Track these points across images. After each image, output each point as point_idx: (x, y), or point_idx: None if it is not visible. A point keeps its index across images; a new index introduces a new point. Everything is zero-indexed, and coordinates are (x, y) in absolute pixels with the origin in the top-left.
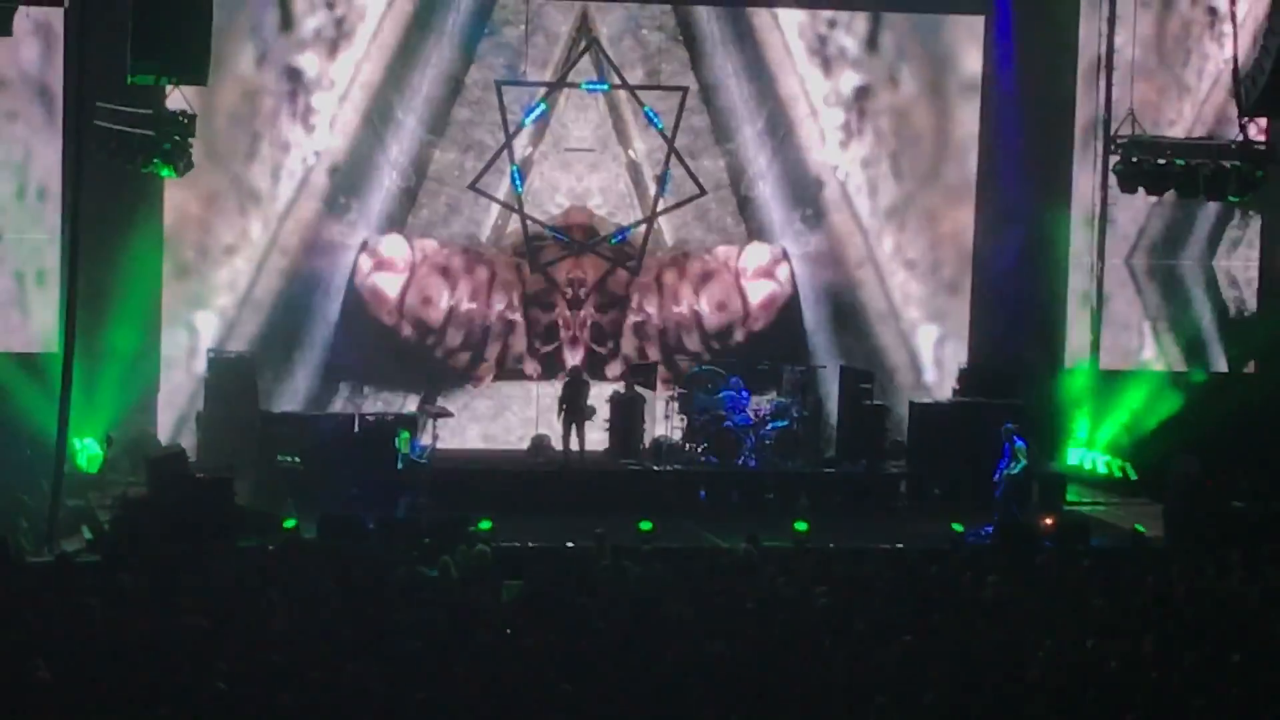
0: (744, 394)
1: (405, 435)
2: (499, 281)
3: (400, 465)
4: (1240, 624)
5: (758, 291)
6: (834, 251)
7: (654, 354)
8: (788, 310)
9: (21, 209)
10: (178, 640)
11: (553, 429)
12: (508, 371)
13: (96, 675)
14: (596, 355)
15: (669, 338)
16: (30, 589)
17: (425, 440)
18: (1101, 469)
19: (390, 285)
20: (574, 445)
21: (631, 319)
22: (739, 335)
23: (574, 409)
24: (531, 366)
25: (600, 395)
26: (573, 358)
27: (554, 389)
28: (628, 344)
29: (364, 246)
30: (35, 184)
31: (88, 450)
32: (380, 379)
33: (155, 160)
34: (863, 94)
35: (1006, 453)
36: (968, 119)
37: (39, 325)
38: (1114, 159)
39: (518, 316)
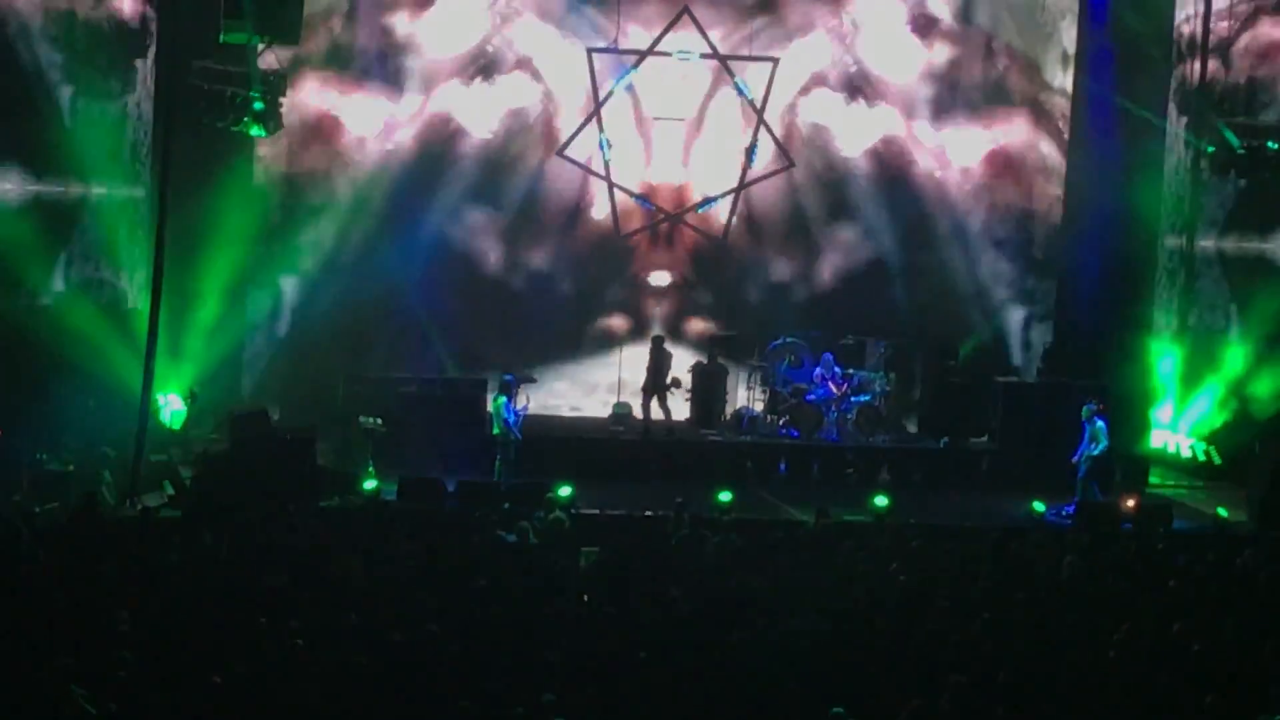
0: (836, 369)
1: (501, 400)
2: (587, 247)
3: (496, 430)
4: None
5: (844, 265)
6: (923, 228)
7: (738, 325)
8: (874, 285)
9: (113, 164)
10: (256, 597)
11: (635, 397)
12: (594, 339)
13: (175, 629)
14: (681, 324)
15: (754, 308)
16: (113, 542)
17: (519, 406)
18: (1185, 453)
19: (478, 249)
20: (655, 414)
21: (717, 288)
22: (824, 308)
23: (656, 379)
24: (616, 333)
25: (683, 365)
26: (658, 327)
27: (637, 356)
28: (712, 314)
29: (453, 210)
30: (127, 140)
31: (172, 406)
32: (466, 343)
33: (246, 119)
34: (955, 66)
35: (1086, 433)
36: (1060, 95)
37: (127, 281)
38: (1206, 140)
39: (603, 283)
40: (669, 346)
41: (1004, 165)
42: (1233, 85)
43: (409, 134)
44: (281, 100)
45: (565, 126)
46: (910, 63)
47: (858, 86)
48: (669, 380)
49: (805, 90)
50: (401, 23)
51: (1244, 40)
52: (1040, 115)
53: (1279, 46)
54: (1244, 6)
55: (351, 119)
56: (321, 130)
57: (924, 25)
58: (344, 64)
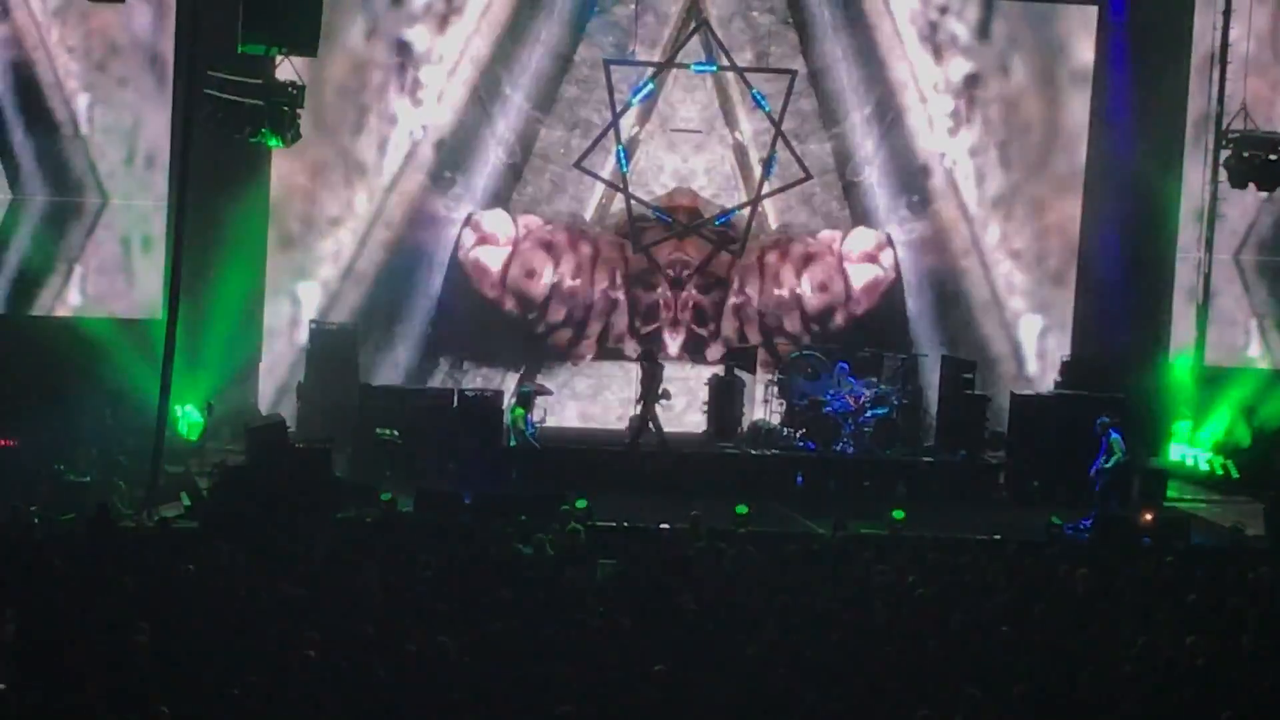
0: (853, 380)
1: (520, 412)
2: (601, 260)
3: (513, 442)
4: None
5: (860, 277)
6: (939, 239)
7: (754, 337)
8: (890, 297)
9: (130, 175)
10: (273, 609)
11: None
12: (608, 351)
13: (192, 640)
14: (697, 337)
15: (770, 321)
16: (130, 553)
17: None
18: (1203, 466)
19: (493, 260)
20: (653, 427)
21: (733, 301)
22: (840, 320)
23: (648, 391)
24: (632, 346)
25: (699, 377)
26: (673, 339)
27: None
28: (728, 326)
29: (468, 221)
30: (144, 151)
31: (188, 417)
32: (480, 354)
33: (263, 130)
34: (973, 82)
35: (1103, 447)
36: (1077, 110)
37: (144, 292)
38: (1225, 153)
39: (619, 296)
40: (660, 358)
41: (1021, 179)
42: (1252, 99)
43: (425, 145)
44: (299, 111)
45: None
46: (928, 77)
47: (879, 101)
48: (660, 391)
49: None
50: (420, 37)
51: (1264, 53)
52: (1057, 129)
53: None
54: (1263, 20)
55: (367, 134)
56: (337, 146)
57: (941, 42)
58: (360, 78)
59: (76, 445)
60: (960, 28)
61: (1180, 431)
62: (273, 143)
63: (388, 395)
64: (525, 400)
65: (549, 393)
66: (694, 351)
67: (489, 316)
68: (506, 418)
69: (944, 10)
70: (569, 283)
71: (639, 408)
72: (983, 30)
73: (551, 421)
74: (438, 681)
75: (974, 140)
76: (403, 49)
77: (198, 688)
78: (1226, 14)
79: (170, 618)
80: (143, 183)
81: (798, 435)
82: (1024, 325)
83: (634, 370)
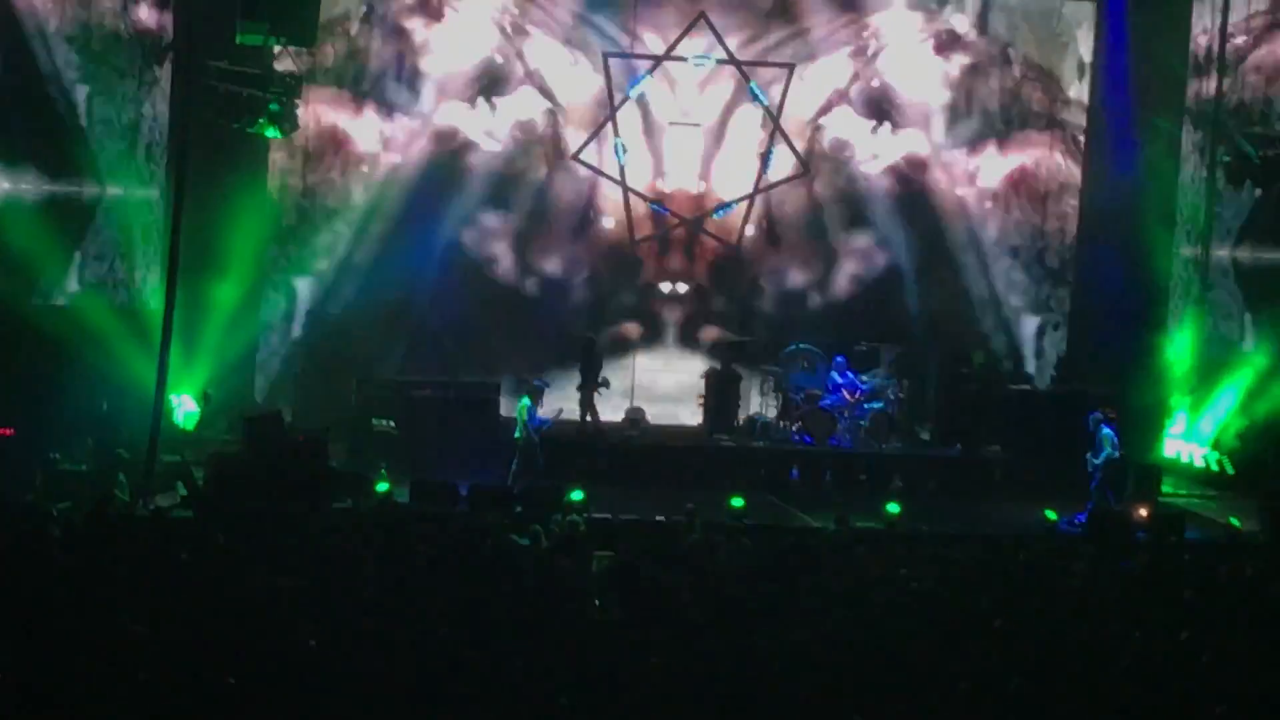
0: (847, 374)
1: (525, 403)
2: (600, 252)
3: (518, 434)
4: None
5: (858, 271)
6: (938, 235)
7: (752, 330)
8: (888, 292)
9: (128, 165)
10: (268, 599)
11: (649, 402)
12: (604, 344)
13: (188, 630)
14: (695, 329)
15: (768, 314)
16: (126, 543)
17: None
18: (1198, 462)
19: (493, 252)
20: (588, 416)
21: (731, 294)
22: (838, 314)
23: (587, 380)
24: (629, 339)
25: (697, 370)
26: (670, 331)
27: (651, 361)
28: (726, 319)
29: (466, 213)
30: (143, 141)
31: (186, 407)
32: (478, 347)
33: (261, 120)
34: (972, 75)
35: (1096, 442)
36: (1077, 105)
37: (141, 282)
38: (1222, 151)
39: (617, 288)
40: (599, 347)
41: (1020, 175)
42: (1249, 97)
43: (422, 139)
44: (297, 102)
45: (575, 136)
46: (928, 74)
47: (877, 100)
48: (599, 380)
49: (826, 107)
50: (416, 31)
51: (1260, 52)
52: (1056, 125)
53: None
54: (1260, 19)
55: (364, 127)
56: (335, 137)
57: (942, 38)
58: (357, 71)
59: (72, 434)
60: (960, 21)
61: (1177, 424)
62: (270, 133)
63: (385, 386)
64: (535, 393)
65: (547, 385)
66: (690, 343)
67: (487, 309)
68: (515, 409)
69: (943, 3)
70: (568, 275)
71: (580, 393)
72: (982, 24)
73: (547, 414)
74: (434, 672)
75: (973, 135)
76: (400, 39)
77: (194, 677)
78: (1225, 11)
79: (166, 607)
80: (141, 173)
81: (794, 429)
82: (1022, 321)
83: (631, 361)
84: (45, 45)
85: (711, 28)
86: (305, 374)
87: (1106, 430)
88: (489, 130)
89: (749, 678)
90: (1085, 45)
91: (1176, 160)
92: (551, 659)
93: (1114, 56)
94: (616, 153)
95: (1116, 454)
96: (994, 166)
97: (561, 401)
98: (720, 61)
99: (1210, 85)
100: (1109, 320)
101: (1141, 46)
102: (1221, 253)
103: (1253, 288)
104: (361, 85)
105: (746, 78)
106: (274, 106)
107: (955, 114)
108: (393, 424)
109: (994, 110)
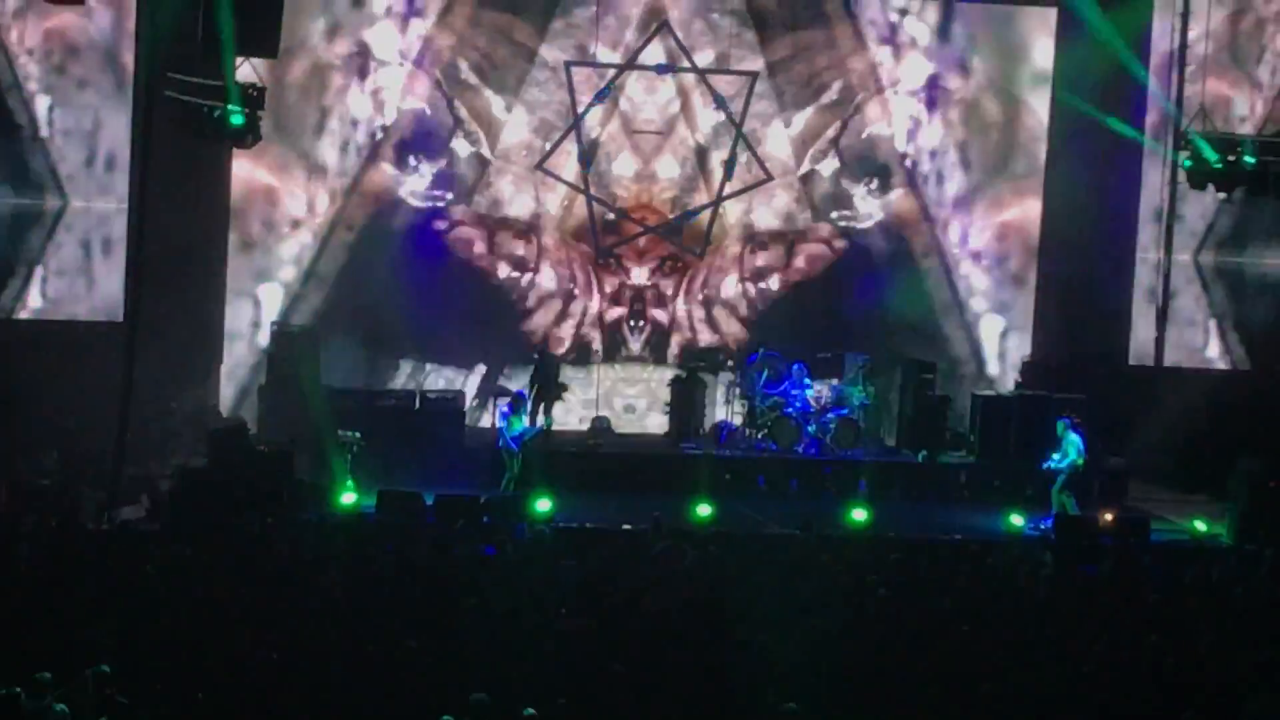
0: (805, 382)
1: (518, 420)
2: (564, 261)
3: (499, 444)
4: None
5: (821, 278)
6: (900, 240)
7: (716, 338)
8: (851, 298)
9: (90, 177)
10: (234, 610)
11: (613, 411)
12: (568, 352)
13: (154, 642)
14: (659, 337)
15: (731, 322)
16: (91, 555)
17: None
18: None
19: (454, 263)
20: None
21: (694, 301)
22: (803, 321)
23: (545, 388)
24: (594, 346)
25: (662, 379)
26: (634, 339)
27: (616, 371)
28: (690, 327)
29: (430, 223)
30: (104, 152)
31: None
32: (444, 356)
33: (224, 132)
34: (933, 83)
35: (1060, 445)
36: (1037, 111)
37: (104, 294)
38: (1183, 155)
39: (581, 296)
40: (555, 355)
41: (981, 179)
42: (1209, 100)
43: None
44: (260, 114)
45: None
46: (890, 79)
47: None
48: (557, 388)
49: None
50: (381, 38)
51: (1221, 56)
52: (1017, 130)
53: (1256, 61)
54: (1220, 22)
55: (328, 135)
56: (299, 146)
57: (901, 43)
58: (321, 79)
59: (36, 448)
60: (920, 29)
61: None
62: (233, 143)
63: (350, 397)
64: (516, 403)
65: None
66: (656, 351)
67: (452, 319)
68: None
69: (904, 12)
70: (530, 284)
71: (532, 401)
72: (942, 31)
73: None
74: (400, 683)
75: (934, 141)
76: (364, 50)
77: (160, 690)
78: (1184, 16)
79: (132, 620)
80: (103, 185)
81: (759, 436)
82: (985, 326)
83: (595, 372)
84: (5, 56)
85: (674, 36)
86: (270, 386)
87: (1074, 435)
88: (455, 137)
89: (716, 685)
90: (1045, 52)
91: (1138, 164)
92: (519, 669)
93: (1074, 61)
94: (581, 161)
95: (1082, 460)
96: (953, 163)
97: (560, 412)
98: (683, 70)
99: (1171, 88)
100: (1072, 324)
101: (1102, 50)
102: (1183, 256)
103: (1216, 291)
104: (325, 97)
105: (710, 86)
106: (236, 118)
107: (916, 121)
108: (359, 435)
109: (951, 111)
